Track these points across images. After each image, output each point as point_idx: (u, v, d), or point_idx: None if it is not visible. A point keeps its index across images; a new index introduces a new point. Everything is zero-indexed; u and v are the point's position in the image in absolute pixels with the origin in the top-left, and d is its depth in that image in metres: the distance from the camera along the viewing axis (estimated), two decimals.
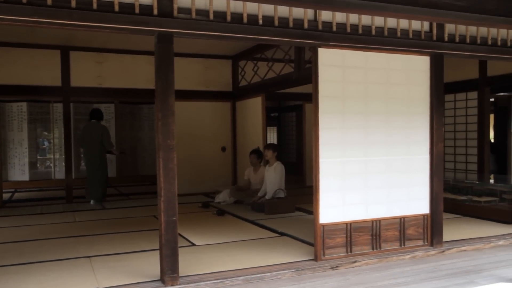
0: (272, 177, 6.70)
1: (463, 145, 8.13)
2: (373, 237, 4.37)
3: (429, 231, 4.61)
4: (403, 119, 4.50)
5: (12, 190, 9.90)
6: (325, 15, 4.06)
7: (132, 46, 8.08)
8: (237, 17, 3.73)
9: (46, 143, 11.30)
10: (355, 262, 4.16)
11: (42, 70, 7.80)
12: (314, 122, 4.12)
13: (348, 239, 4.26)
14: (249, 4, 3.72)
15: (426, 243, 4.60)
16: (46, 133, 11.23)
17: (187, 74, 8.71)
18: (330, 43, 4.08)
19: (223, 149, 9.06)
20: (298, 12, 3.95)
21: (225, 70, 9.12)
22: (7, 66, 7.56)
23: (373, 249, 4.36)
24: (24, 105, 10.63)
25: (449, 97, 8.26)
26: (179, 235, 5.06)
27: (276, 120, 14.01)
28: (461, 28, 4.69)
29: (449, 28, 4.62)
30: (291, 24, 3.92)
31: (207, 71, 8.99)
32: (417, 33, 4.47)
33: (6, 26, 5.79)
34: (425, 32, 4.52)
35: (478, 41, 4.78)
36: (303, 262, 4.11)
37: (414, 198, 4.55)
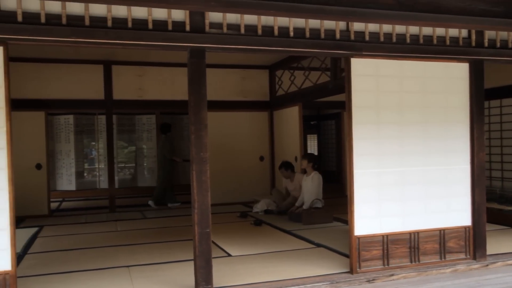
0: (309, 187, 6.66)
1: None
2: (411, 250, 4.26)
3: (471, 243, 4.45)
4: (441, 128, 4.37)
5: (60, 199, 10.32)
6: (358, 25, 4.03)
7: (171, 59, 8.28)
8: (268, 30, 3.76)
9: (94, 152, 11.71)
10: (392, 275, 4.07)
11: (86, 84, 8.13)
12: (348, 132, 4.08)
13: (385, 251, 4.17)
14: (279, 17, 3.74)
15: (468, 257, 4.44)
16: (93, 143, 11.64)
17: (225, 84, 8.85)
18: (363, 53, 4.04)
19: (261, 158, 9.10)
20: (329, 22, 3.94)
21: (262, 80, 9.18)
22: (54, 82, 7.93)
23: (411, 262, 4.25)
24: (71, 118, 11.07)
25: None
26: (216, 245, 5.21)
27: (316, 128, 13.92)
28: (503, 33, 4.52)
29: (489, 33, 4.47)
30: (322, 35, 3.91)
31: (245, 81, 9.07)
32: (454, 40, 4.36)
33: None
34: (463, 38, 4.39)
35: None
36: (338, 274, 4.06)
37: (454, 210, 4.41)
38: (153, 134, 11.30)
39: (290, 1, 3.43)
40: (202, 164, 3.61)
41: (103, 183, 11.09)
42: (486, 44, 4.45)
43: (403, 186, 4.24)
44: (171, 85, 8.54)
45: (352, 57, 4.06)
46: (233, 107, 8.89)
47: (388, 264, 4.17)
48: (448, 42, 4.32)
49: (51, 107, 8.15)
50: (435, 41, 4.27)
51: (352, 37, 4.01)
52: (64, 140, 11.14)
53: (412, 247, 4.26)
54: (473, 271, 4.28)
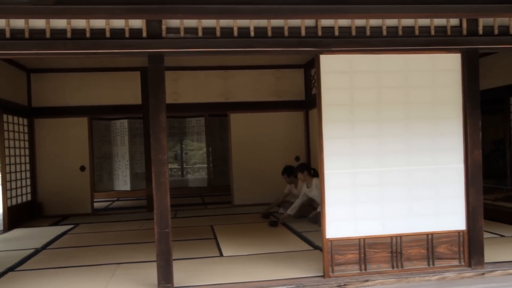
0: (318, 195, 6.48)
1: None
2: (392, 255, 4.01)
3: (466, 249, 4.09)
4: (428, 125, 4.07)
5: (115, 198, 11.02)
6: (326, 21, 3.89)
7: (203, 63, 8.50)
8: (227, 32, 3.76)
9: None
10: (367, 281, 3.87)
11: (125, 90, 8.61)
12: (319, 132, 3.95)
13: (362, 255, 3.97)
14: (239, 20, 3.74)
15: (462, 264, 4.09)
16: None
17: (259, 85, 8.90)
18: (332, 49, 3.89)
19: (297, 158, 9.01)
20: (294, 20, 3.84)
21: (297, 79, 9.09)
22: (96, 89, 8.50)
23: (392, 267, 4.01)
24: (125, 122, 11.78)
25: None
26: (216, 245, 5.29)
27: None
28: (502, 18, 4.10)
29: (484, 20, 4.08)
30: (286, 34, 3.83)
31: (279, 81, 9.04)
32: (441, 29, 4.03)
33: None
34: (453, 27, 4.05)
35: None
36: (310, 278, 3.95)
37: (445, 213, 4.08)
38: (202, 135, 11.75)
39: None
40: (161, 166, 3.71)
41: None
42: (480, 32, 4.06)
43: (383, 187, 4.01)
44: (203, 88, 8.77)
45: (322, 53, 3.93)
46: (268, 108, 8.91)
47: (365, 269, 3.97)
48: (433, 32, 4.01)
49: (94, 113, 8.75)
50: (417, 32, 3.99)
51: (320, 33, 3.87)
52: (120, 143, 11.88)
53: (394, 252, 4.02)
54: (463, 280, 3.93)
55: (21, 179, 7.76)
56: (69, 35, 3.58)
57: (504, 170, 8.34)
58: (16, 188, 7.51)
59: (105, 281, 4.07)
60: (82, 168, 8.45)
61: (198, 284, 3.86)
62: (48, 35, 3.55)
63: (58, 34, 3.58)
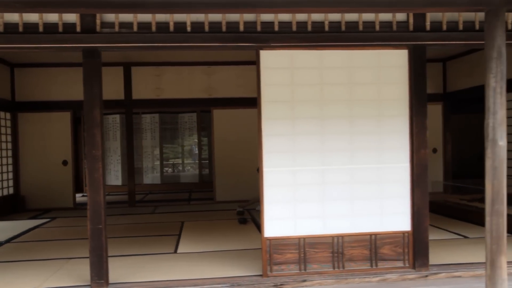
0: None
1: None
2: (334, 255, 3.93)
3: (411, 251, 3.99)
4: (373, 123, 3.97)
5: (106, 193, 11.08)
6: (267, 15, 3.81)
7: (187, 58, 8.47)
8: (163, 27, 3.72)
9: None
10: (305, 281, 3.80)
11: (108, 85, 8.60)
12: (258, 129, 3.88)
13: (302, 255, 3.90)
14: (175, 14, 3.68)
15: (407, 265, 3.99)
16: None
17: (242, 81, 8.83)
18: (272, 44, 3.82)
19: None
20: (233, 15, 3.78)
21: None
22: (78, 83, 8.50)
23: (334, 268, 3.93)
24: (117, 117, 11.83)
25: None
26: (177, 241, 5.28)
27: None
28: (451, 14, 3.97)
29: (432, 15, 3.95)
30: (224, 28, 3.77)
31: None
32: (387, 25, 3.92)
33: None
34: (399, 22, 3.93)
35: (477, 26, 3.99)
36: (248, 277, 3.89)
37: (389, 213, 3.98)
38: (194, 131, 11.76)
39: None
40: (95, 161, 3.69)
41: (147, 179, 11.82)
42: (428, 28, 3.94)
43: (324, 186, 3.93)
44: (188, 84, 8.75)
45: (261, 49, 3.85)
46: (251, 104, 8.57)
47: (305, 269, 3.90)
48: (377, 28, 3.90)
49: (77, 107, 8.79)
50: (361, 27, 3.88)
51: (259, 28, 3.80)
52: (112, 138, 11.94)
53: (335, 252, 3.94)
54: (405, 282, 3.83)
55: (4, 172, 7.86)
56: (1, 29, 3.57)
57: None
58: None
59: (46, 276, 4.08)
60: (65, 163, 8.51)
61: (133, 281, 3.84)
62: None
63: None
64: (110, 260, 4.47)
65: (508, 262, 3.96)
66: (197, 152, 12.28)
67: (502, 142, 2.86)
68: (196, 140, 12.26)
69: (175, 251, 4.93)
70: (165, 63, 8.72)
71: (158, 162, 12.14)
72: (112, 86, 8.60)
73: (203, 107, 9.84)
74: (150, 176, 12.11)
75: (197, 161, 12.29)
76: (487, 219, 2.90)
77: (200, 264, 4.36)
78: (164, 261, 4.52)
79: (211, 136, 8.99)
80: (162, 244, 5.26)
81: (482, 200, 6.34)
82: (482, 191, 6.87)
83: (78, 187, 11.39)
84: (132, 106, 8.74)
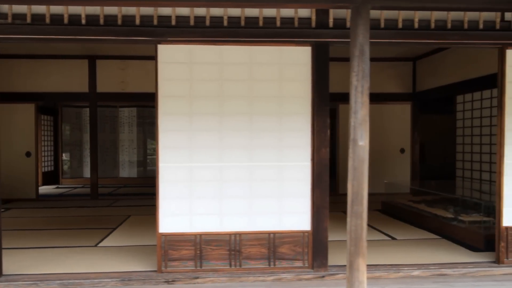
0: None
1: None
2: (231, 253, 3.89)
3: (310, 251, 3.93)
4: (274, 121, 3.91)
5: (80, 185, 11.18)
6: (165, 9, 3.77)
7: (152, 52, 8.42)
8: (57, 19, 3.70)
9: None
10: (197, 278, 3.77)
11: (73, 78, 8.68)
12: (155, 124, 3.85)
13: (198, 252, 3.87)
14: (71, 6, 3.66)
15: (306, 265, 3.93)
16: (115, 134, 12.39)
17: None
18: (169, 39, 3.78)
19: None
20: (129, 8, 3.75)
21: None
22: (43, 76, 8.60)
23: (230, 266, 3.89)
24: (87, 111, 11.89)
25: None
26: (107, 235, 5.29)
27: None
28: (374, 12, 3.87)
29: (336, 11, 3.87)
30: (119, 22, 3.74)
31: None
32: (288, 21, 3.85)
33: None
34: (301, 18, 3.86)
35: (382, 24, 3.91)
36: (141, 272, 3.88)
37: (289, 212, 3.93)
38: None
39: None
40: None
41: (123, 172, 11.88)
42: (330, 25, 3.86)
43: (222, 183, 3.89)
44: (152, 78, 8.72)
45: (160, 43, 3.82)
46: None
47: (201, 266, 3.87)
48: (278, 24, 3.83)
49: (41, 99, 8.87)
50: (261, 23, 3.82)
51: (155, 22, 3.77)
52: (89, 130, 12.00)
53: (232, 250, 3.90)
54: (300, 282, 3.78)
55: None
56: None
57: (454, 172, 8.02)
58: None
59: None
60: (28, 154, 8.59)
61: (29, 273, 3.85)
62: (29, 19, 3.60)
63: None
64: (20, 252, 4.56)
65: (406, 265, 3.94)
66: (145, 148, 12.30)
67: (362, 142, 2.79)
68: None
69: (96, 245, 4.94)
70: (130, 57, 8.73)
71: (135, 156, 12.20)
72: (76, 79, 8.67)
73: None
74: (127, 170, 12.17)
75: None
76: (348, 220, 2.84)
77: (106, 258, 4.37)
78: (77, 254, 4.53)
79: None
80: (89, 237, 5.27)
81: (430, 202, 6.26)
82: (434, 193, 6.76)
83: (55, 179, 11.54)
84: (97, 99, 8.76)
